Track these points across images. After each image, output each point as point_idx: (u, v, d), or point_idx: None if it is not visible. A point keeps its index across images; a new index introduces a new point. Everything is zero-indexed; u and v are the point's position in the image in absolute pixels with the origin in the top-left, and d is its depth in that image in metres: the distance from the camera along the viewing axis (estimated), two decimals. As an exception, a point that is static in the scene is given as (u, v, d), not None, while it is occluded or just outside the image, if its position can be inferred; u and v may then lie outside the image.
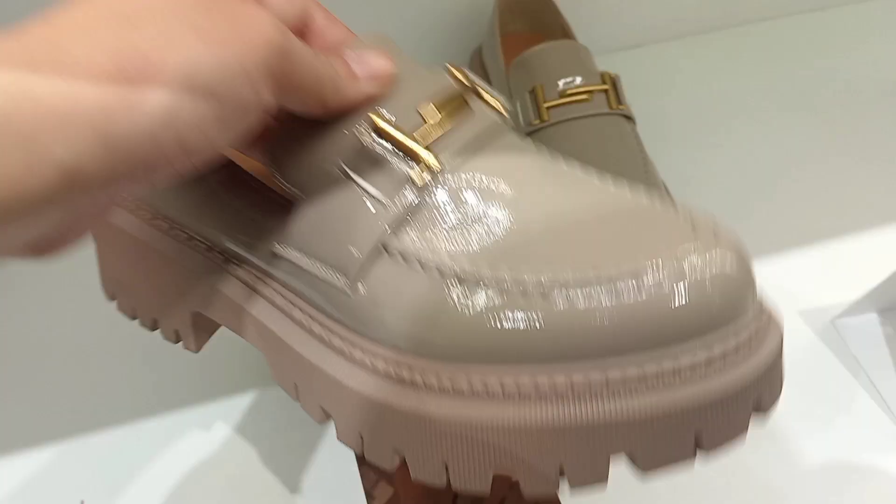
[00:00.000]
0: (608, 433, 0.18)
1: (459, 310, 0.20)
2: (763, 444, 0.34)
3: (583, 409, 0.18)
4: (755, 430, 0.19)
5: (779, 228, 0.44)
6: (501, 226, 0.21)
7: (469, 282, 0.20)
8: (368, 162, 0.22)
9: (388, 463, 0.21)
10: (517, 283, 0.19)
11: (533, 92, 0.41)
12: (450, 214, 0.21)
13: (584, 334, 0.18)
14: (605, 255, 0.19)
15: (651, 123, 0.47)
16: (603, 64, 0.44)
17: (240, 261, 0.26)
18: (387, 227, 0.21)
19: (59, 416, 0.37)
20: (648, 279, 0.18)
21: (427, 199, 0.21)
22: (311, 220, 0.23)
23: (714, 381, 0.18)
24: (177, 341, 0.29)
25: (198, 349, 0.29)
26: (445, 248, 0.21)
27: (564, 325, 0.18)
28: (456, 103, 0.23)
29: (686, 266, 0.18)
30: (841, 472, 0.33)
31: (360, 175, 0.22)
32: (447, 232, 0.21)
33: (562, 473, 0.19)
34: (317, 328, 0.23)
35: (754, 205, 0.46)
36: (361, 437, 0.21)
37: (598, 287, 0.18)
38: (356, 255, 0.21)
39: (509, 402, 0.19)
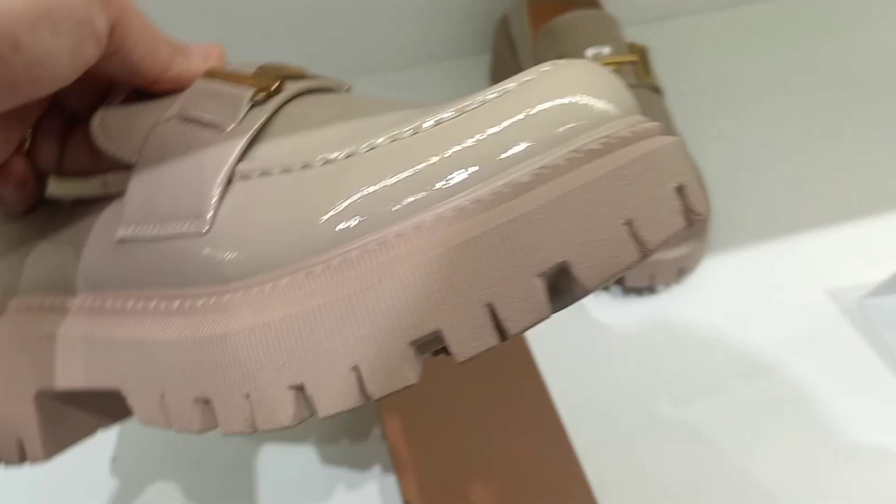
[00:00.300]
0: (528, 237, 0.16)
1: (344, 185, 0.18)
2: (787, 420, 0.34)
3: (490, 218, 0.16)
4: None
5: (808, 206, 0.44)
6: (354, 113, 0.20)
7: (339, 161, 0.19)
8: (207, 101, 0.21)
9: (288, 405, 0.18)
10: (388, 137, 0.18)
11: (560, 62, 0.41)
12: (298, 121, 0.21)
13: (476, 160, 0.17)
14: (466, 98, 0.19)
15: (679, 96, 0.47)
16: (631, 35, 0.43)
17: (87, 289, 0.23)
18: (238, 149, 0.20)
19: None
20: (509, 90, 0.18)
21: (272, 115, 0.21)
22: (152, 177, 0.21)
23: (617, 154, 0.17)
24: (21, 459, 0.24)
25: (47, 456, 0.24)
26: (309, 145, 0.20)
27: (451, 162, 0.17)
28: (287, 70, 0.23)
29: (543, 79, 0.18)
30: (865, 451, 0.33)
31: (200, 112, 0.21)
32: (304, 133, 0.20)
33: (495, 315, 0.17)
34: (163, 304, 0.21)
35: (783, 181, 0.45)
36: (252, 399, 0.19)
37: (469, 106, 0.18)
38: (209, 185, 0.20)
39: (416, 239, 0.17)
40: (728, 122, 0.50)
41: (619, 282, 0.39)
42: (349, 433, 0.35)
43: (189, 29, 0.47)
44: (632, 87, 0.39)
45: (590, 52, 0.40)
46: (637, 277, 0.38)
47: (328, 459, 0.34)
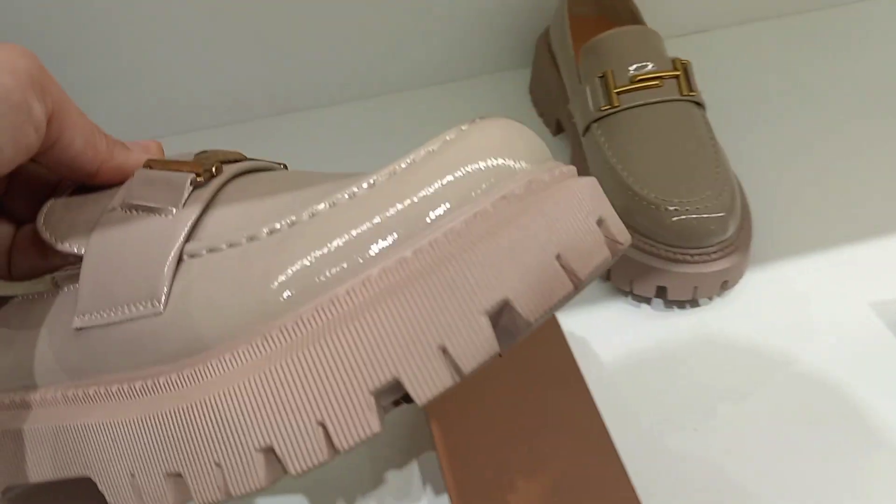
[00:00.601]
0: (470, 279, 0.17)
1: (290, 252, 0.19)
2: (831, 433, 0.34)
3: (431, 266, 0.18)
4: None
5: (850, 219, 0.44)
6: (293, 185, 0.21)
7: (283, 230, 0.20)
8: (150, 188, 0.22)
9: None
10: (327, 203, 0.20)
11: (603, 77, 0.41)
12: (240, 198, 0.22)
13: (409, 219, 0.19)
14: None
15: (720, 110, 0.47)
16: (670, 48, 0.44)
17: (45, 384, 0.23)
18: (185, 230, 0.21)
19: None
20: (421, 153, 0.19)
21: (214, 194, 0.22)
22: (103, 265, 0.22)
23: (540, 196, 0.18)
24: None
25: None
26: (253, 218, 0.21)
27: (387, 223, 0.19)
28: (224, 155, 0.24)
29: (463, 139, 0.19)
30: (911, 466, 0.33)
31: (144, 199, 0.22)
32: (247, 208, 0.21)
33: (448, 355, 0.17)
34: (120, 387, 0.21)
35: (824, 193, 0.45)
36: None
37: (399, 167, 0.19)
38: (160, 266, 0.21)
39: (365, 292, 0.18)
40: (767, 135, 0.50)
41: (662, 294, 0.39)
42: (398, 439, 0.36)
43: (230, 40, 0.49)
44: (675, 101, 0.40)
45: (632, 67, 0.41)
46: (680, 290, 0.38)
47: (376, 465, 0.35)
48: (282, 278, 0.19)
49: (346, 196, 0.20)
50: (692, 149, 0.39)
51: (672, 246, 0.37)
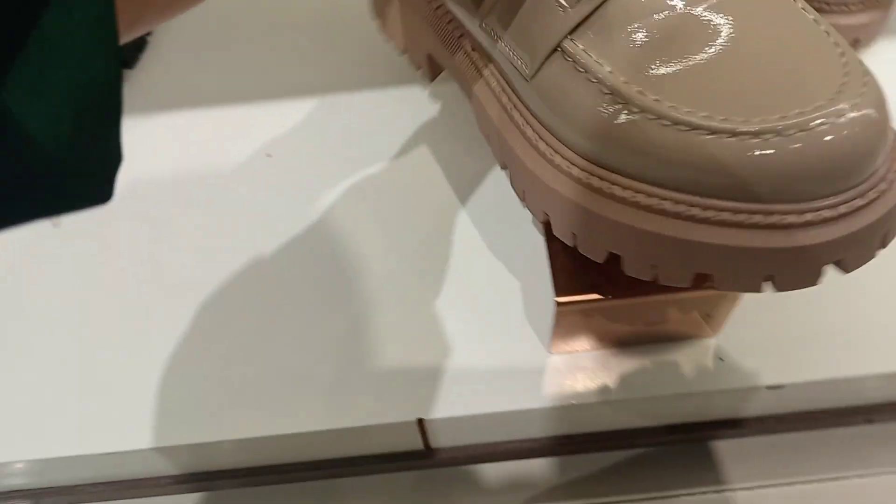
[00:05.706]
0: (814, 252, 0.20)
1: (617, 127, 0.21)
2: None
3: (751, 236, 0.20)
4: None
5: None
6: (673, 54, 0.21)
7: (629, 103, 0.21)
8: None
9: (601, 258, 0.23)
10: (686, 114, 0.20)
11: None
12: (628, 33, 0.22)
13: (751, 175, 0.19)
14: (762, 101, 0.20)
15: None
16: None
17: (463, 33, 0.29)
18: (566, 30, 0.23)
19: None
20: (797, 130, 0.19)
21: (606, 11, 0.22)
22: (506, 5, 0.25)
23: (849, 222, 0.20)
24: (418, 68, 0.36)
25: (431, 80, 0.37)
26: (613, 62, 0.22)
27: (729, 165, 0.20)
28: None
29: (837, 118, 0.19)
30: None
31: None
32: (619, 48, 0.22)
33: (770, 280, 0.21)
34: (519, 119, 0.26)
35: None
36: (574, 235, 0.24)
37: (756, 133, 0.19)
38: (537, 48, 0.23)
39: (723, 224, 0.20)
40: None
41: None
42: None
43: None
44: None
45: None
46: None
47: None
48: (613, 153, 0.22)
49: (702, 131, 0.20)
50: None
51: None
